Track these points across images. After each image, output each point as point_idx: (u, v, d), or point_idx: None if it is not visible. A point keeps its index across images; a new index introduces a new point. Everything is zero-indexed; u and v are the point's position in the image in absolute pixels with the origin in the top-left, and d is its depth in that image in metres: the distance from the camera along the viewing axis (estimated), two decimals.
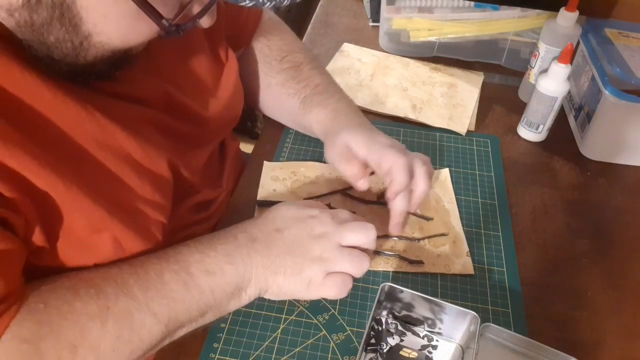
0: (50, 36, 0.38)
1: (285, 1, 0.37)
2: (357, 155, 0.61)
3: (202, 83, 0.59)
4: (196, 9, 0.42)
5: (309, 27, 1.05)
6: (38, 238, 0.42)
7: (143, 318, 0.45)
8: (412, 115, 0.82)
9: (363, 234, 0.53)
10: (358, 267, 0.52)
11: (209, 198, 0.64)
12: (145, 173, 0.48)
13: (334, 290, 0.52)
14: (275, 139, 0.77)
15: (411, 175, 0.58)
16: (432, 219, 0.66)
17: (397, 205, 0.60)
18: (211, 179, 0.66)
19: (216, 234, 0.53)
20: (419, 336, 0.54)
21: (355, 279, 0.53)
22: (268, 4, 0.36)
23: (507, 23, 0.92)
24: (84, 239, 0.45)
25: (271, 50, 0.73)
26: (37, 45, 0.39)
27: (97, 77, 0.44)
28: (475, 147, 0.78)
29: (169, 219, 0.52)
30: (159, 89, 0.53)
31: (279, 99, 0.72)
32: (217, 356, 0.52)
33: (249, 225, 0.54)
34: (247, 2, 0.36)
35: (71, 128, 0.43)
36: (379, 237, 0.63)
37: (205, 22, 0.44)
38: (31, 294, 0.43)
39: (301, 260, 0.51)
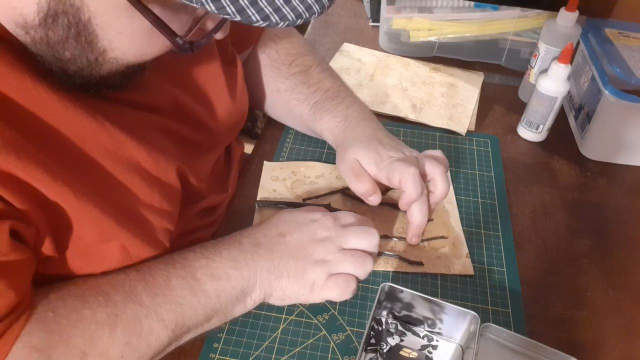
0: (65, 52, 0.38)
1: (299, 20, 0.37)
2: (367, 171, 0.61)
3: (210, 88, 0.59)
4: (209, 24, 0.43)
5: (309, 27, 1.05)
6: (48, 248, 0.42)
7: (151, 324, 0.45)
8: (412, 115, 0.82)
9: (365, 239, 0.54)
10: (360, 267, 0.52)
11: (215, 203, 0.64)
12: (155, 182, 0.48)
13: (337, 290, 0.52)
14: (275, 139, 0.77)
15: (422, 183, 0.58)
16: (431, 219, 0.66)
17: (415, 218, 0.60)
18: (217, 184, 0.66)
19: (221, 240, 0.53)
20: (419, 336, 0.54)
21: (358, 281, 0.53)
22: (282, 23, 0.36)
23: (507, 23, 0.92)
24: (93, 248, 0.45)
25: (279, 55, 0.73)
26: (51, 60, 0.39)
27: (109, 88, 0.44)
28: (475, 147, 0.78)
29: (176, 225, 0.52)
30: (168, 95, 0.53)
31: (288, 104, 0.72)
32: (217, 356, 0.52)
33: (253, 231, 0.54)
34: (261, 22, 0.35)
35: (82, 139, 0.43)
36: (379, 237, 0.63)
37: (218, 35, 0.44)
38: (40, 303, 0.43)
39: (303, 263, 0.52)
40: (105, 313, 0.44)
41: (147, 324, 0.45)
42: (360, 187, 0.61)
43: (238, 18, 0.34)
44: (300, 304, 0.57)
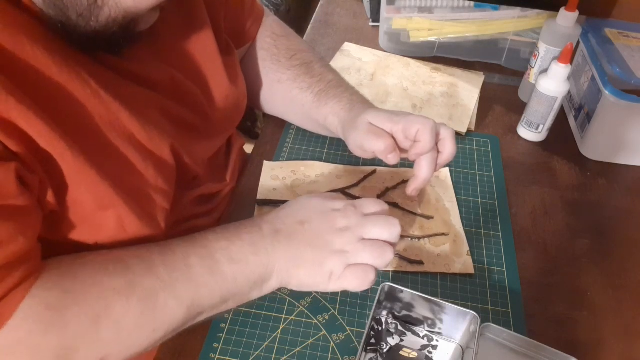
0: None
1: None
2: (383, 130, 0.60)
3: (208, 71, 0.59)
4: None
5: (309, 27, 1.05)
6: (51, 199, 0.42)
7: (167, 298, 0.46)
8: None
9: (387, 229, 0.52)
10: (379, 257, 0.51)
11: (213, 191, 0.64)
12: (149, 155, 0.49)
13: (356, 281, 0.51)
14: (275, 139, 0.77)
15: (437, 139, 0.58)
16: (432, 217, 0.66)
17: (423, 172, 0.59)
18: (216, 172, 0.66)
19: (242, 223, 0.53)
20: (419, 336, 0.54)
21: None
22: None
23: (507, 23, 0.92)
24: (90, 215, 0.45)
25: (279, 50, 0.73)
26: (52, 4, 0.40)
27: (107, 49, 0.45)
28: (475, 147, 0.78)
29: (172, 206, 0.52)
30: (165, 74, 0.53)
31: (289, 93, 0.72)
32: (217, 356, 0.52)
33: (273, 217, 0.54)
34: None
35: (77, 103, 0.43)
36: None
37: None
38: (62, 264, 0.44)
39: (322, 253, 0.51)
40: (124, 281, 0.44)
41: (163, 297, 0.45)
42: (382, 144, 0.59)
43: None
44: (300, 304, 0.57)
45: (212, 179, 0.64)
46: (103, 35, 0.43)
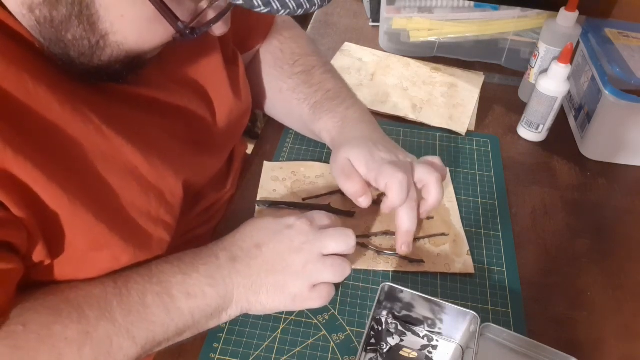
0: (68, 34, 0.39)
1: (299, 10, 0.39)
2: (358, 172, 0.59)
3: (213, 88, 0.59)
4: (211, 14, 0.43)
5: (309, 27, 1.05)
6: (40, 253, 0.42)
7: (121, 342, 0.45)
8: (412, 115, 0.82)
9: (343, 242, 0.53)
10: (340, 274, 0.52)
11: (213, 201, 0.64)
12: (151, 188, 0.48)
13: (320, 300, 0.52)
14: (275, 139, 0.77)
15: (408, 190, 0.56)
16: (432, 217, 0.66)
17: (403, 223, 0.57)
18: (217, 182, 0.66)
19: (199, 252, 0.52)
20: (419, 336, 0.54)
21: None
22: (282, 11, 0.38)
23: (507, 23, 0.92)
24: (83, 256, 0.45)
25: (284, 54, 0.72)
26: (54, 43, 0.39)
27: (110, 79, 0.44)
28: (475, 147, 0.78)
29: (172, 236, 0.52)
30: (172, 93, 0.53)
31: (289, 104, 0.71)
32: (217, 356, 0.52)
33: (229, 243, 0.53)
34: (262, 8, 0.37)
35: (79, 141, 0.43)
36: (379, 235, 0.63)
37: (219, 29, 0.45)
38: (12, 314, 0.42)
39: (283, 276, 0.51)
40: (77, 330, 0.43)
41: (117, 342, 0.45)
42: (350, 187, 0.58)
43: (240, 2, 0.37)
44: None
45: (214, 190, 0.63)
46: (106, 71, 0.43)
